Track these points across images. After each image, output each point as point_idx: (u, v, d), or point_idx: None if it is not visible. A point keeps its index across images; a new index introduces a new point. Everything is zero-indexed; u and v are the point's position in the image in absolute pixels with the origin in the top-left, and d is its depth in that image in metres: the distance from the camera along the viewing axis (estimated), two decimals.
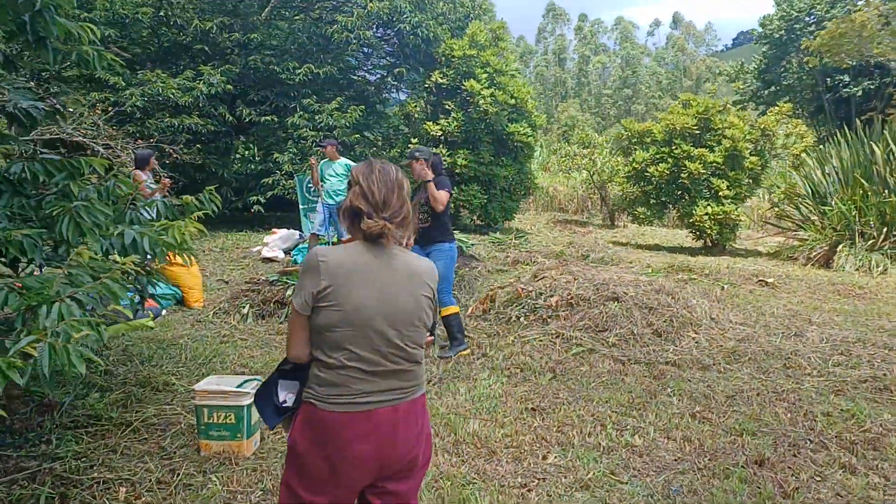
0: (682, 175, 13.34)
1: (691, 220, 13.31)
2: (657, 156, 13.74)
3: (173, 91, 12.74)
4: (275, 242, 10.50)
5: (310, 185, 13.82)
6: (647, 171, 13.70)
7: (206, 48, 13.98)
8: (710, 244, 13.77)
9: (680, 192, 13.92)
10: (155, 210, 4.58)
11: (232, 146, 14.81)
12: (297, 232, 10.97)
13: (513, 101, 14.90)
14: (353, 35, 14.07)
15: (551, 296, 7.12)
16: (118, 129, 11.85)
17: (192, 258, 6.56)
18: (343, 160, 9.75)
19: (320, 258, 2.05)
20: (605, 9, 75.28)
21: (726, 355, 6.04)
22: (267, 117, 14.16)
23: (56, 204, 3.53)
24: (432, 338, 2.35)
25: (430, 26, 14.90)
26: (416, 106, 15.21)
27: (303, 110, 14.23)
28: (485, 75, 15.07)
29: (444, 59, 15.08)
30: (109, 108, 12.29)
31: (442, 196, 5.72)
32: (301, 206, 13.83)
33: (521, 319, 6.84)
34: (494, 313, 7.14)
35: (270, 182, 14.13)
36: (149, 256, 3.65)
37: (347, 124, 14.06)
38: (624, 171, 14.53)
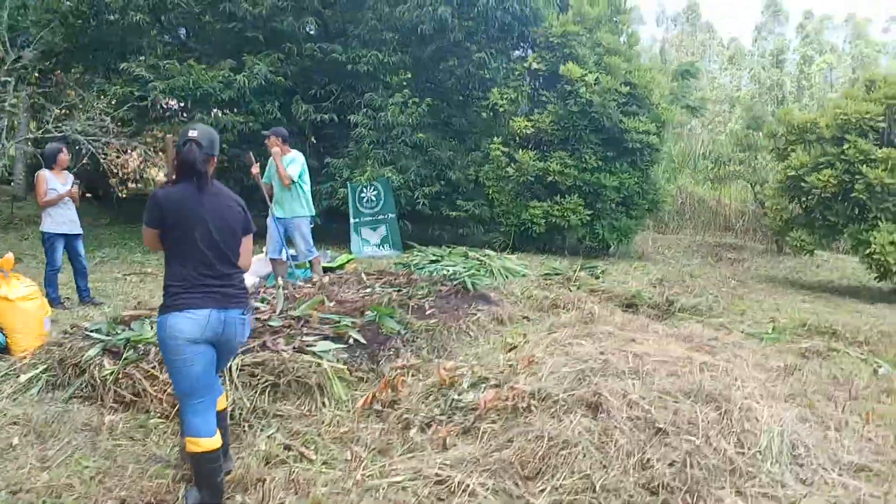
0: (857, 186, 9.10)
1: (868, 251, 9.02)
2: (821, 159, 9.57)
3: (213, 84, 11.06)
4: (254, 266, 8.23)
5: (362, 195, 11.58)
6: (806, 181, 9.58)
7: (260, 36, 12.10)
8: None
9: (854, 211, 9.64)
10: None
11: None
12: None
13: (626, 89, 11.47)
14: (423, 11, 11.53)
15: (495, 386, 4.09)
16: (141, 127, 10.35)
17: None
18: (292, 154, 7.26)
19: None
20: (831, 3, 66.12)
21: None
22: (325, 115, 12.06)
23: None
24: None
25: (526, 1, 11.97)
26: (503, 96, 12.17)
27: (367, 107, 11.99)
28: (594, 58, 11.88)
29: (542, 39, 12.08)
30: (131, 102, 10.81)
31: None
32: (352, 220, 11.57)
33: (421, 431, 3.89)
34: (404, 408, 4.23)
35: (325, 191, 12.00)
36: None
37: (412, 122, 11.56)
38: (774, 179, 10.40)
